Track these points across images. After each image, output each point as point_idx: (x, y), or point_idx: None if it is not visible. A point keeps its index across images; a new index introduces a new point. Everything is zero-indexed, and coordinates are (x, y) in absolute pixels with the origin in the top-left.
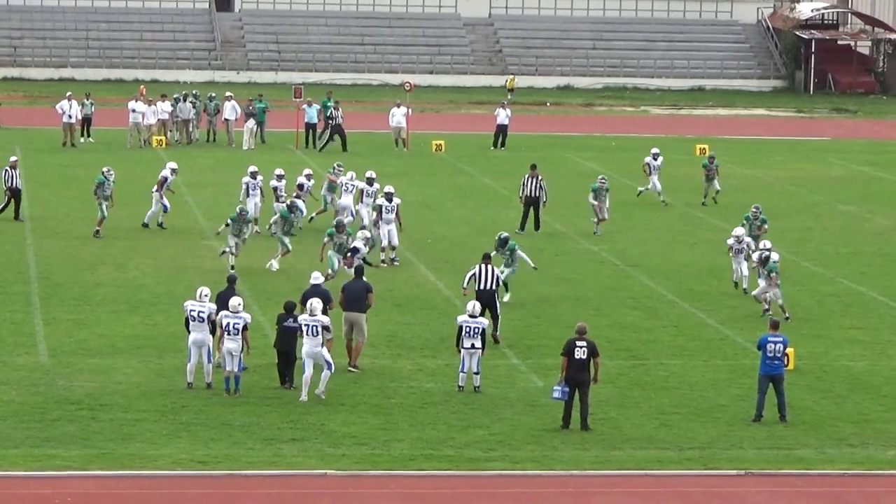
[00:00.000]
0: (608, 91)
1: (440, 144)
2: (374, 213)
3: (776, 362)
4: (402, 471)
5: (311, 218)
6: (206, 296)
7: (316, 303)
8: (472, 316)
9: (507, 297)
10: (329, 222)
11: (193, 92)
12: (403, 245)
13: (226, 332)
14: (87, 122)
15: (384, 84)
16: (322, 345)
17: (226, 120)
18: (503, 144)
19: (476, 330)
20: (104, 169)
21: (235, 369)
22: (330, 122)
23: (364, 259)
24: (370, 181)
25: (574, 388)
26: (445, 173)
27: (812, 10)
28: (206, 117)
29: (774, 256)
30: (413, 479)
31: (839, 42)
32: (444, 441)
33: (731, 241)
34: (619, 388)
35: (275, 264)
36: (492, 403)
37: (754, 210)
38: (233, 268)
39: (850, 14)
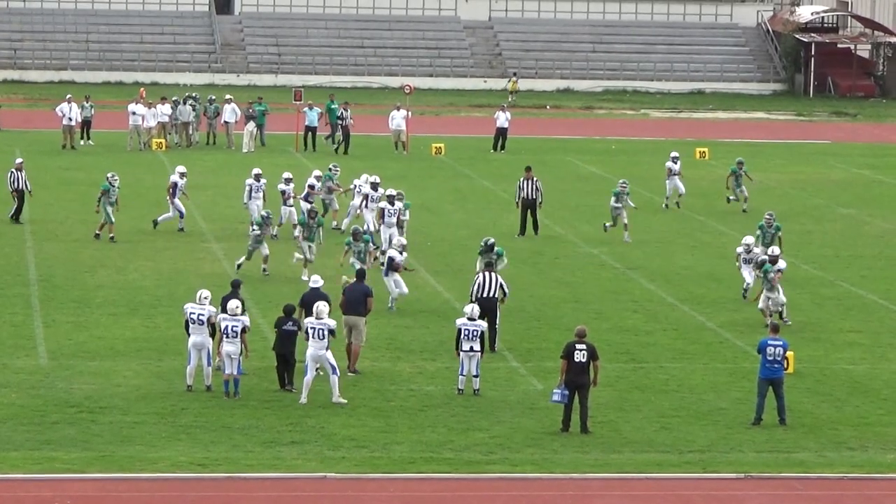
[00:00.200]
0: (608, 94)
1: (440, 147)
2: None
3: (776, 366)
4: (401, 473)
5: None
6: (205, 298)
7: (322, 306)
8: (470, 319)
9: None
10: (329, 223)
11: (193, 95)
12: None
13: (224, 335)
14: (86, 124)
15: (384, 87)
16: (327, 348)
17: (225, 123)
18: (503, 147)
19: (474, 333)
20: (109, 175)
21: (235, 372)
22: (340, 123)
23: (405, 267)
24: (374, 186)
25: (574, 391)
26: (445, 176)
27: (812, 14)
28: (205, 120)
29: (781, 264)
30: (413, 481)
31: (839, 45)
32: (443, 444)
33: (739, 250)
34: (619, 392)
35: (305, 274)
36: (491, 406)
37: (768, 217)
38: (238, 268)
39: (849, 17)
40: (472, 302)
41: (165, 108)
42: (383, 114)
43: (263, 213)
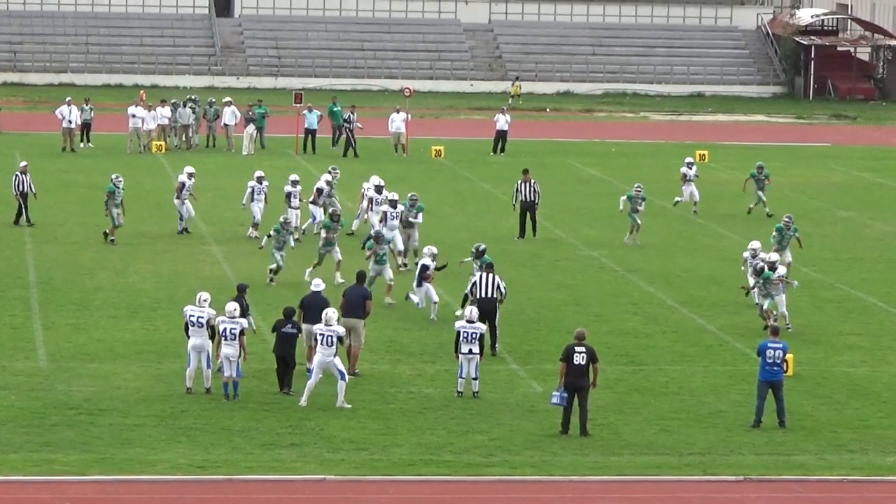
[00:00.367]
0: (608, 97)
1: (440, 150)
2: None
3: (775, 368)
4: (401, 476)
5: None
6: (205, 301)
7: (332, 313)
8: (469, 321)
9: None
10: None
11: (193, 97)
12: None
13: (223, 338)
14: (86, 127)
15: (384, 89)
16: (335, 355)
17: (225, 125)
18: (503, 150)
19: (473, 335)
20: (113, 176)
21: (234, 374)
22: (347, 126)
23: (436, 267)
24: (379, 189)
25: (573, 393)
26: (445, 179)
27: (812, 17)
28: (205, 123)
29: (781, 270)
30: (412, 484)
31: (839, 48)
32: (443, 446)
33: (746, 255)
34: (619, 394)
35: (338, 277)
36: (491, 409)
37: (786, 220)
38: (271, 279)
39: (849, 20)
40: (465, 300)
41: (165, 111)
42: (383, 116)
43: (281, 218)
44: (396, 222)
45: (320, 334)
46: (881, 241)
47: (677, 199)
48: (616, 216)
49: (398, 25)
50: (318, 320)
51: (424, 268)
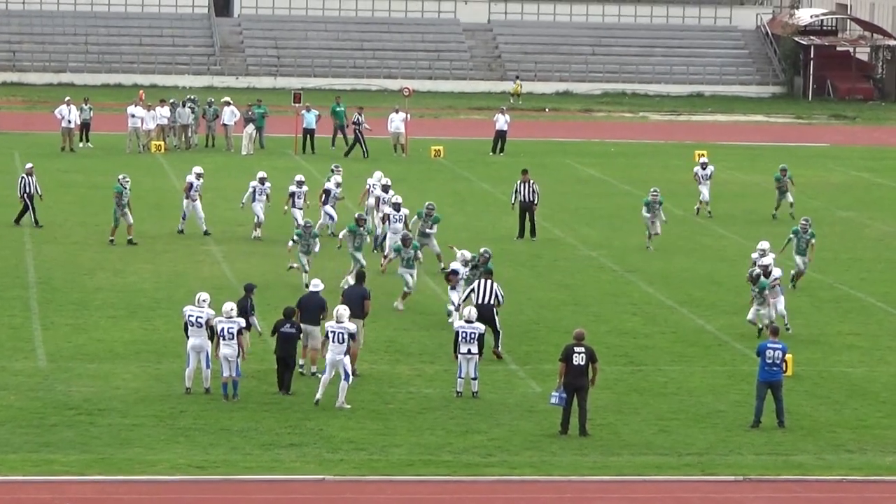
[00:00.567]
0: (607, 97)
1: (439, 150)
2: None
3: (775, 369)
4: (400, 476)
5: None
6: (204, 301)
7: (343, 310)
8: (468, 321)
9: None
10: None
11: (192, 97)
12: None
13: (221, 338)
14: (85, 127)
15: (383, 89)
16: (346, 353)
17: (224, 125)
18: (502, 150)
19: (472, 335)
20: (120, 177)
21: (233, 374)
22: (355, 127)
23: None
24: (386, 188)
25: (572, 393)
26: (444, 179)
27: (811, 17)
28: (204, 122)
29: (777, 272)
30: (411, 484)
31: (838, 48)
32: (442, 446)
33: (755, 256)
34: (618, 394)
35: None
36: (490, 409)
37: (803, 223)
38: (307, 286)
39: (849, 20)
40: (461, 302)
41: (164, 111)
42: (382, 116)
43: (304, 222)
44: (400, 224)
45: (331, 331)
46: (880, 242)
47: (700, 201)
48: (615, 216)
49: (397, 25)
50: (315, 321)
51: (454, 272)
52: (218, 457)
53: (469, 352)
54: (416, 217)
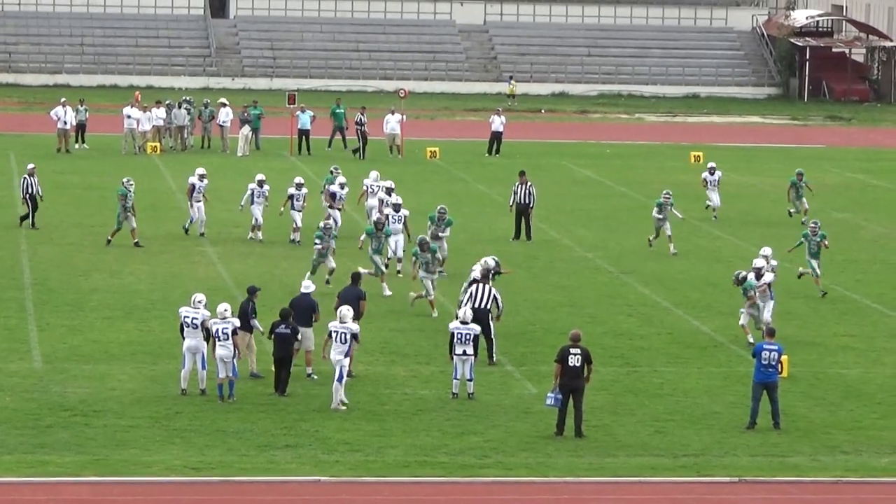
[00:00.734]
0: (603, 98)
1: (435, 151)
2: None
3: (770, 370)
4: (395, 477)
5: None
6: (199, 302)
7: (346, 310)
8: (463, 322)
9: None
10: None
11: (188, 98)
12: None
13: (216, 339)
14: (81, 128)
15: (379, 91)
16: (347, 354)
17: (220, 126)
18: (498, 151)
19: (468, 336)
20: (124, 180)
21: (231, 374)
22: (358, 128)
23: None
24: (389, 191)
25: (568, 395)
26: (440, 180)
27: (807, 18)
28: (200, 124)
29: (768, 277)
30: (407, 485)
31: (834, 50)
32: (438, 448)
33: (757, 261)
34: (614, 395)
35: (386, 289)
36: (486, 410)
37: (812, 226)
38: (327, 280)
39: (844, 22)
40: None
41: (160, 112)
42: (378, 117)
43: (322, 224)
44: (400, 226)
45: (334, 331)
46: (875, 243)
47: (708, 203)
48: (611, 218)
49: (393, 26)
50: (306, 321)
51: (475, 281)
52: (213, 458)
53: (465, 353)
54: (428, 222)
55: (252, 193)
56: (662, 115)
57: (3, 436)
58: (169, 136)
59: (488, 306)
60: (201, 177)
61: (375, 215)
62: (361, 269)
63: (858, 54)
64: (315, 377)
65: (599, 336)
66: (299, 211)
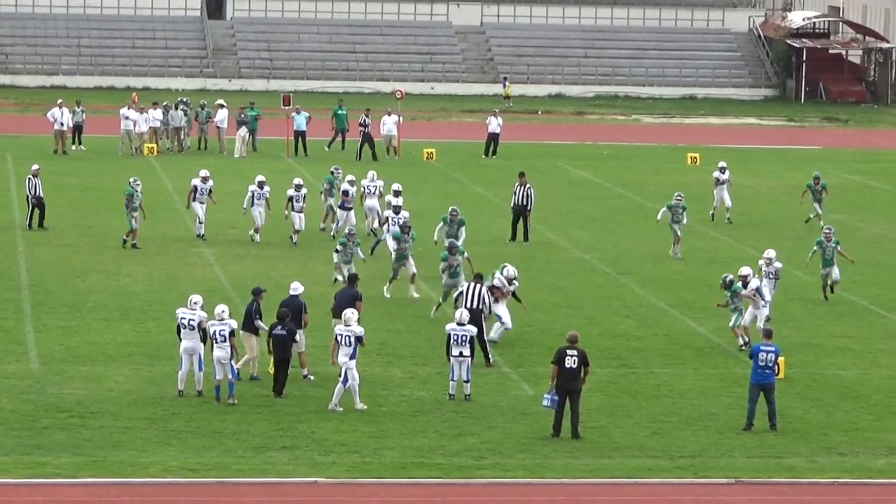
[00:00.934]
0: (600, 99)
1: (431, 153)
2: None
3: (767, 371)
4: (392, 479)
5: (322, 228)
6: (196, 303)
7: (350, 313)
8: (459, 324)
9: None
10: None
11: (184, 100)
12: None
13: (213, 340)
14: (77, 129)
15: (376, 92)
16: (352, 357)
17: (217, 127)
18: (494, 153)
19: (464, 338)
20: (131, 180)
21: (229, 376)
22: (362, 129)
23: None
24: (397, 193)
25: (564, 396)
26: (436, 182)
27: (803, 19)
28: (197, 125)
29: (754, 283)
30: (403, 487)
31: (830, 51)
32: (434, 449)
33: (760, 263)
34: (610, 397)
35: (413, 291)
36: (482, 411)
37: (827, 231)
38: (335, 282)
39: (841, 23)
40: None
41: (157, 114)
42: (375, 119)
43: (347, 230)
44: (398, 228)
45: (339, 335)
46: (872, 244)
47: (715, 206)
48: (608, 219)
49: (390, 28)
50: (296, 323)
51: (495, 288)
52: (210, 459)
53: (461, 354)
54: (440, 223)
55: (252, 195)
56: (659, 116)
57: None
58: (166, 137)
59: (480, 307)
60: (204, 178)
61: (372, 216)
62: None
63: (855, 56)
64: (311, 378)
65: (596, 337)
66: (299, 212)
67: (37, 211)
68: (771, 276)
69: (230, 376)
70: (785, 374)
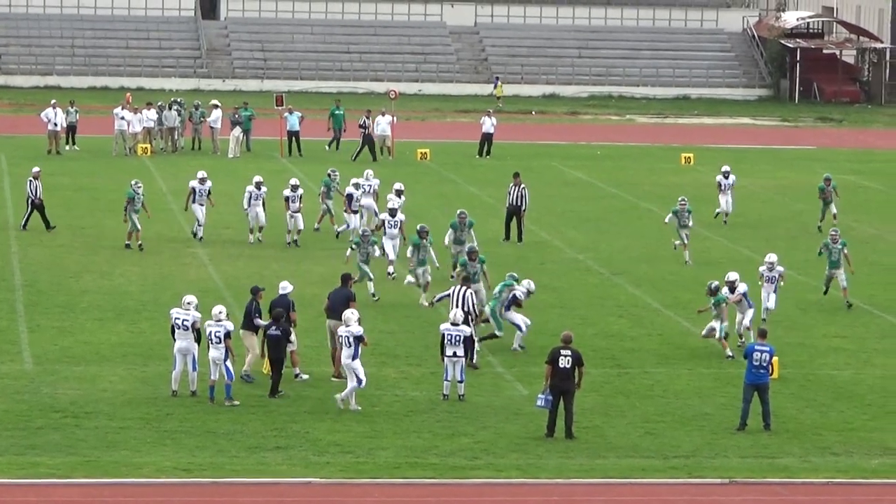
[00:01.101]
0: (593, 99)
1: (425, 153)
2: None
3: (761, 371)
4: (386, 479)
5: (317, 228)
6: (189, 304)
7: (350, 314)
8: (453, 324)
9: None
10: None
11: (178, 100)
12: None
13: (209, 341)
14: (71, 129)
15: (369, 92)
16: (354, 357)
17: (211, 128)
18: (488, 153)
19: (458, 338)
20: (132, 182)
21: (225, 377)
22: (362, 130)
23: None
24: (399, 193)
25: (558, 396)
26: (430, 182)
27: (797, 19)
28: (191, 125)
29: (742, 287)
30: (397, 487)
31: (824, 51)
32: (428, 449)
33: (762, 269)
34: (604, 397)
35: (423, 301)
36: (476, 412)
37: (833, 234)
38: (373, 295)
39: (835, 23)
40: (431, 303)
41: (151, 114)
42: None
43: (361, 230)
44: (396, 230)
45: (340, 336)
46: (866, 244)
47: (718, 210)
48: (602, 219)
49: (384, 28)
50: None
51: (514, 298)
52: (204, 460)
53: (455, 354)
54: (449, 230)
55: (250, 196)
56: (653, 116)
57: None
58: (160, 137)
59: (465, 309)
60: (202, 180)
61: (368, 214)
62: (409, 279)
63: (849, 56)
64: (304, 377)
65: (590, 337)
66: (296, 213)
67: (36, 213)
68: (773, 281)
69: (226, 377)
70: (779, 374)
